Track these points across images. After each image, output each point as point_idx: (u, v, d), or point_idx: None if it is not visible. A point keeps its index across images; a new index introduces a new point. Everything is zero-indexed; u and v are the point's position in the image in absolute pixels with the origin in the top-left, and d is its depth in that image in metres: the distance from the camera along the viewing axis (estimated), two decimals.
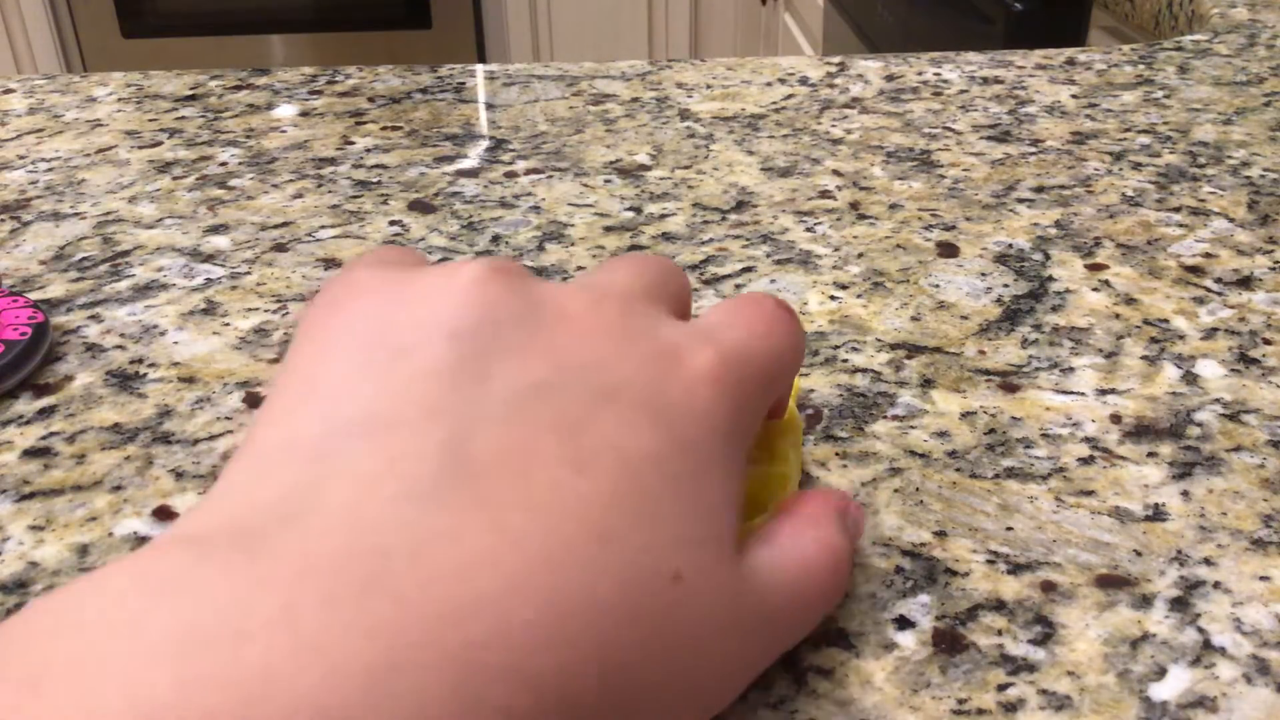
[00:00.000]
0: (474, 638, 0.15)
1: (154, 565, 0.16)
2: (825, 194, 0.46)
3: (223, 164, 0.50)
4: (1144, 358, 0.34)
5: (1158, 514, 0.27)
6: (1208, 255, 0.40)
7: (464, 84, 0.60)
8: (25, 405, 0.33)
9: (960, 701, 0.22)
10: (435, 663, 0.15)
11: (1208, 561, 0.26)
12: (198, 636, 0.14)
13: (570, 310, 0.21)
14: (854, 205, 0.45)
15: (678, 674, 0.18)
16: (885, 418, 0.31)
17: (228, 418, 0.32)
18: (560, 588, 0.16)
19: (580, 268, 0.40)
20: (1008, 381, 0.33)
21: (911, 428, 0.31)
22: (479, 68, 0.63)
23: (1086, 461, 0.29)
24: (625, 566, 0.17)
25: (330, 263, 0.41)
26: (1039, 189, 0.46)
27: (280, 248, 0.42)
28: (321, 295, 0.22)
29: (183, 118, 0.56)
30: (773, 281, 0.39)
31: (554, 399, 0.19)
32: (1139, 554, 0.26)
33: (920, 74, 0.60)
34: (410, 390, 0.18)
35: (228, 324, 0.37)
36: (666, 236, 0.42)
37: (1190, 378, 0.33)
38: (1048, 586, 0.25)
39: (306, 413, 0.19)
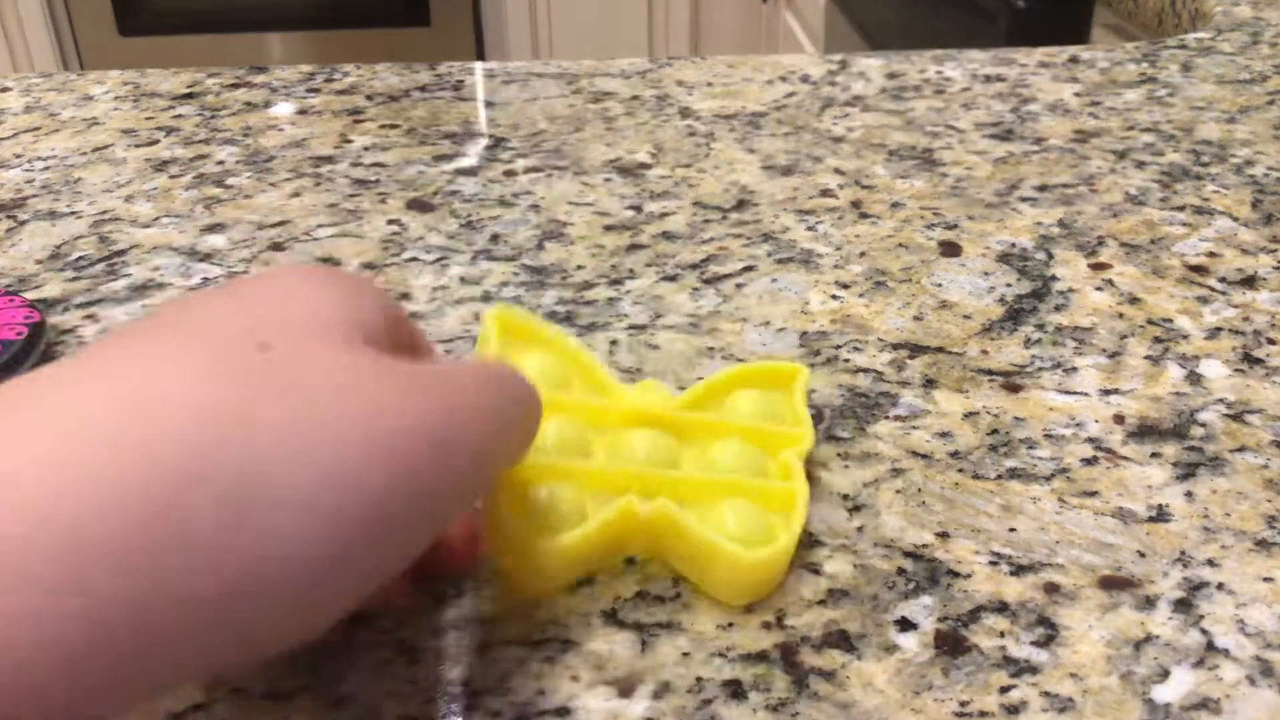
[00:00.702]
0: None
1: None
2: (827, 192, 0.45)
3: (220, 162, 0.49)
4: (1147, 357, 0.34)
5: (1161, 515, 0.27)
6: (1211, 254, 0.40)
7: (463, 82, 0.59)
8: None
9: (962, 704, 0.22)
10: None
11: (1211, 563, 0.26)
12: None
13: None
14: (856, 204, 0.44)
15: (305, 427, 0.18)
16: (887, 418, 0.31)
17: None
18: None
19: (580, 266, 0.40)
20: (1010, 381, 0.33)
21: (914, 428, 0.31)
22: (478, 65, 0.62)
23: (1090, 462, 0.29)
24: (201, 343, 0.19)
25: (328, 261, 0.40)
26: (1042, 188, 0.45)
27: (277, 247, 0.42)
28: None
29: (180, 116, 0.55)
30: (774, 280, 0.39)
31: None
32: (1142, 555, 0.26)
33: (922, 72, 0.60)
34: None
35: None
36: (667, 235, 0.42)
37: (1194, 378, 0.33)
38: (1050, 588, 0.25)
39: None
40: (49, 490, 0.15)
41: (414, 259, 0.41)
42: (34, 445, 0.16)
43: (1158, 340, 0.35)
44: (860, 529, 0.27)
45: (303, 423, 0.18)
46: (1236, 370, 0.33)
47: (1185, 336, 0.35)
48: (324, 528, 0.17)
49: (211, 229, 0.43)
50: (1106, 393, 0.32)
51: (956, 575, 0.25)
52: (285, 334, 0.19)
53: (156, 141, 0.52)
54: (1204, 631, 0.24)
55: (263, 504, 0.17)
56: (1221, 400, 0.32)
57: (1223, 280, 0.38)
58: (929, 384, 0.33)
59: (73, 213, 0.45)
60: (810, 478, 0.29)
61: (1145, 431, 0.30)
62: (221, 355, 0.18)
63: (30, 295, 0.39)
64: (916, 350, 0.34)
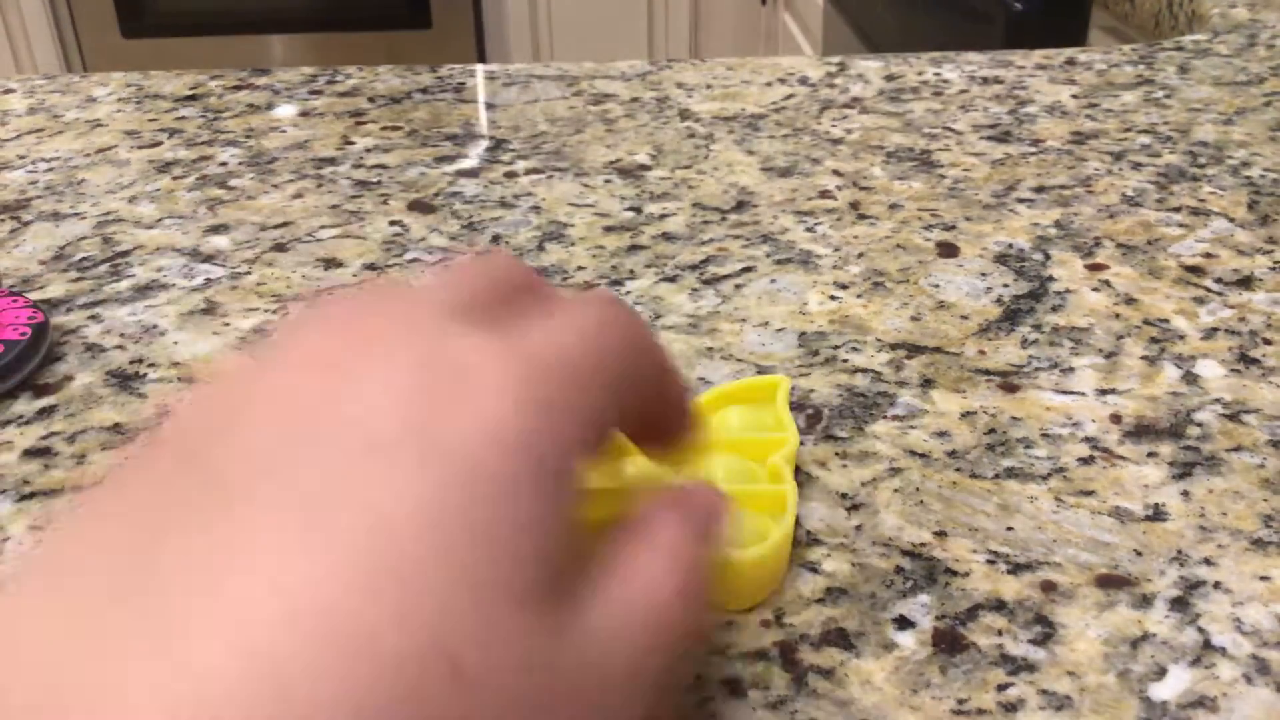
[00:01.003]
0: None
1: None
2: (825, 194, 0.46)
3: (223, 164, 0.50)
4: (1144, 358, 0.34)
5: (1158, 514, 0.27)
6: (1208, 255, 0.40)
7: (464, 84, 0.60)
8: (25, 405, 0.33)
9: (960, 701, 0.22)
10: None
11: (1208, 561, 0.26)
12: None
13: (324, 360, 0.17)
14: (854, 205, 0.45)
15: None
16: (885, 418, 0.31)
17: None
18: None
19: (580, 268, 0.40)
20: (1008, 381, 0.33)
21: (911, 428, 0.31)
22: (479, 68, 0.63)
23: (1086, 461, 0.29)
24: (379, 676, 0.13)
25: (330, 262, 0.41)
26: (1039, 189, 0.46)
27: (280, 248, 0.42)
28: None
29: (183, 118, 0.56)
30: (773, 281, 0.39)
31: (288, 464, 0.15)
32: (1139, 554, 0.26)
33: (920, 74, 0.60)
34: (118, 515, 0.15)
35: (228, 324, 0.37)
36: (666, 236, 0.42)
37: (1190, 378, 0.33)
38: (1048, 586, 0.25)
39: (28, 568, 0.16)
40: None
41: (416, 260, 0.41)
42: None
43: (1154, 340, 0.35)
44: (858, 528, 0.27)
45: None
46: (1233, 370, 0.33)
47: (1182, 337, 0.35)
48: None
49: (214, 230, 0.43)
50: (1103, 393, 0.32)
51: (954, 574, 0.26)
52: (483, 634, 0.14)
53: (159, 143, 0.52)
54: (1201, 630, 0.24)
55: None
56: (1218, 400, 0.32)
57: (1219, 281, 0.38)
58: (927, 384, 0.33)
59: (76, 214, 0.45)
60: (808, 477, 0.29)
61: (1142, 431, 0.30)
62: (406, 691, 0.13)
63: (34, 296, 0.39)
64: (914, 350, 0.34)
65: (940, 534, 0.27)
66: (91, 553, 0.15)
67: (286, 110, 0.56)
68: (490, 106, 0.56)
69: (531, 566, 0.15)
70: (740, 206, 0.45)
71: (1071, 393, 0.32)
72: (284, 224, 0.44)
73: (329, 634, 0.13)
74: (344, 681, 0.13)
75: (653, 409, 0.21)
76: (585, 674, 0.16)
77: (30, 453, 0.31)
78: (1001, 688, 0.23)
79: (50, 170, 0.49)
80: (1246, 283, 0.38)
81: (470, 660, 0.14)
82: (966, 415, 0.31)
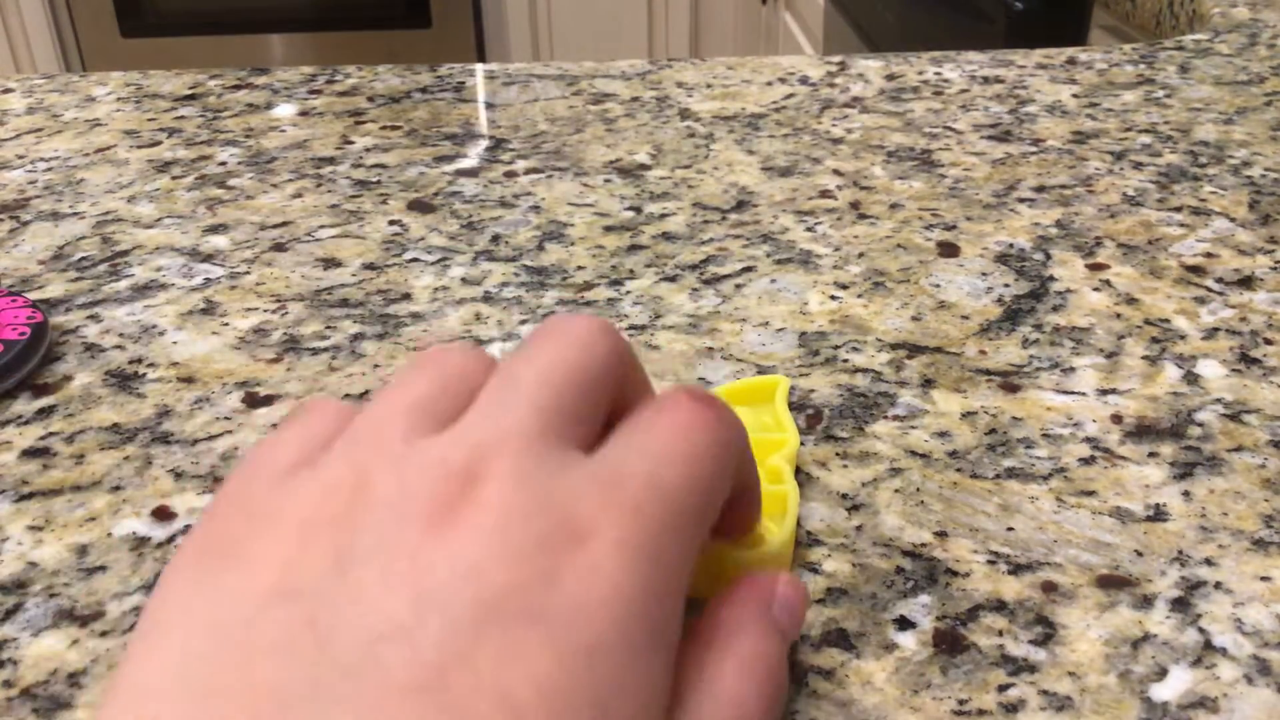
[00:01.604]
0: None
1: None
2: (825, 193, 0.46)
3: (222, 163, 0.50)
4: (1145, 358, 0.34)
5: (1159, 514, 0.27)
6: (1209, 255, 0.40)
7: (464, 83, 0.60)
8: (24, 405, 0.33)
9: (961, 702, 0.22)
10: None
11: (1209, 562, 0.26)
12: None
13: (431, 509, 0.17)
14: (854, 205, 0.44)
15: None
16: (886, 418, 0.31)
17: (227, 418, 0.32)
18: None
19: (580, 267, 0.40)
20: (1008, 381, 0.33)
21: (912, 428, 0.31)
22: (479, 67, 0.62)
23: (1087, 462, 0.29)
24: None
25: (329, 262, 0.41)
26: (1040, 188, 0.46)
27: (279, 247, 0.42)
28: (196, 526, 0.19)
29: (182, 117, 0.55)
30: (773, 281, 0.39)
31: (409, 646, 0.15)
32: (1140, 554, 0.26)
33: (921, 73, 0.60)
34: (233, 683, 0.15)
35: (227, 324, 0.37)
36: (666, 236, 0.42)
37: (1191, 378, 0.33)
38: (1048, 587, 0.25)
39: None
40: None
41: (415, 260, 0.41)
42: None
43: (1155, 340, 0.35)
44: (859, 528, 0.27)
45: None
46: (1234, 370, 0.33)
47: (1182, 337, 0.35)
48: None
49: (214, 230, 0.43)
50: (1104, 393, 0.32)
51: (955, 574, 0.26)
52: None
53: (159, 142, 0.52)
54: (1201, 630, 0.24)
55: None
56: (1219, 400, 0.32)
57: (1220, 281, 0.38)
58: (927, 384, 0.33)
59: (75, 213, 0.45)
60: (809, 477, 0.29)
61: (1143, 431, 0.30)
62: None
63: (33, 295, 0.39)
64: (915, 350, 0.34)
65: (941, 534, 0.27)
66: (241, 712, 0.15)
67: (286, 110, 0.56)
68: (490, 106, 0.56)
69: None
70: (740, 206, 0.45)
71: (1072, 393, 0.32)
72: (283, 224, 0.44)
73: None
74: None
75: (727, 508, 0.21)
76: None
77: (29, 453, 0.31)
78: (1002, 688, 0.23)
79: (49, 170, 0.49)
80: (1247, 282, 0.38)
81: None
82: (967, 415, 0.31)
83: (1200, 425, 0.31)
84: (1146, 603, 0.25)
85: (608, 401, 0.20)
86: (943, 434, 0.30)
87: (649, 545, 0.17)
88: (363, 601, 0.16)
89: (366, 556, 0.16)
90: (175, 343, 0.36)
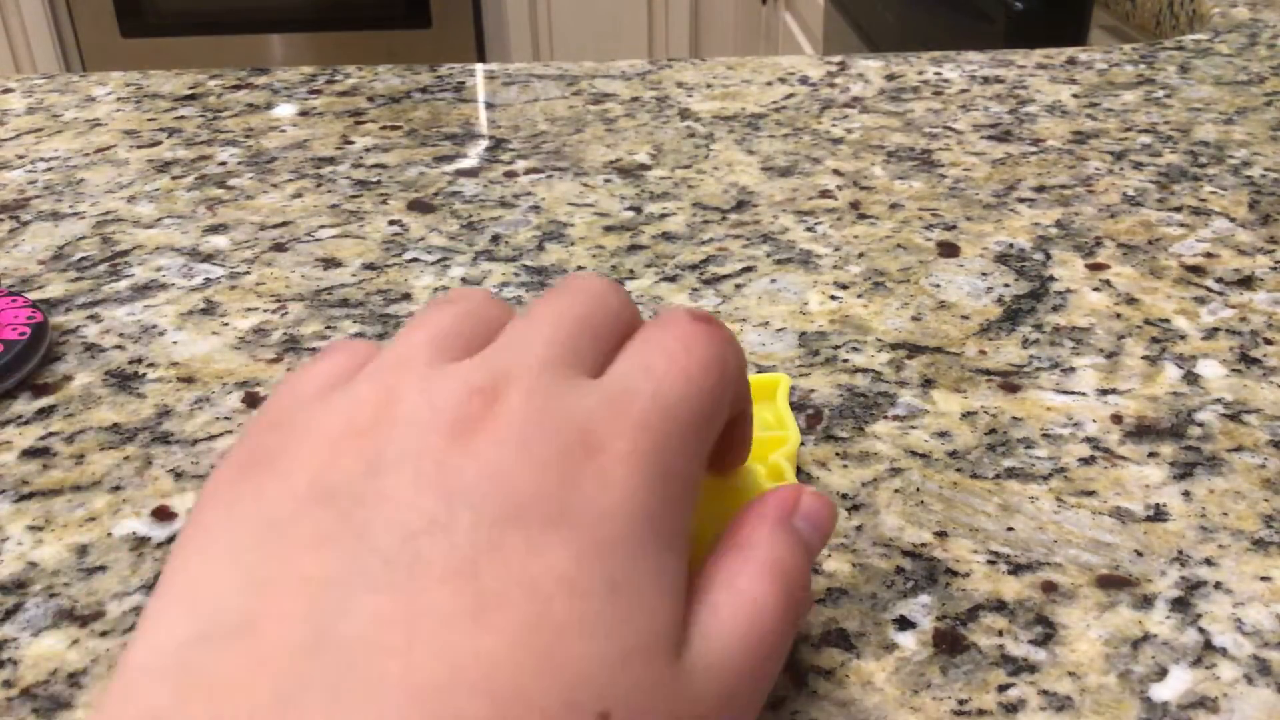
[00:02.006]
0: None
1: None
2: (825, 193, 0.46)
3: (222, 163, 0.50)
4: (1145, 358, 0.34)
5: (1159, 514, 0.27)
6: (1209, 255, 0.40)
7: (463, 83, 0.60)
8: (24, 405, 0.33)
9: (961, 702, 0.22)
10: None
11: (1209, 562, 0.26)
12: None
13: (456, 421, 0.18)
14: (854, 205, 0.44)
15: None
16: (886, 418, 0.31)
17: (227, 418, 0.32)
18: None
19: (580, 267, 0.40)
20: (1008, 381, 0.33)
21: (912, 428, 0.31)
22: (479, 67, 0.62)
23: (1087, 462, 0.29)
24: None
25: (329, 262, 0.41)
26: (1040, 188, 0.46)
27: (279, 247, 0.42)
28: (232, 448, 0.20)
29: (182, 117, 0.55)
30: (773, 281, 0.39)
31: (443, 540, 0.17)
32: (1140, 554, 0.26)
33: (921, 73, 0.60)
34: (282, 572, 0.17)
35: (227, 324, 0.37)
36: (666, 236, 0.42)
37: (1191, 378, 0.33)
38: (1048, 587, 0.25)
39: (169, 618, 0.17)
40: None
41: (415, 260, 0.41)
42: None
43: (1155, 340, 0.35)
44: (859, 528, 0.27)
45: None
46: (1234, 370, 0.33)
47: (1183, 337, 0.35)
48: None
49: (214, 230, 0.43)
50: (1104, 393, 0.32)
51: (955, 574, 0.26)
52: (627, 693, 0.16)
53: (159, 142, 0.52)
54: (1201, 630, 0.24)
55: None
56: (1219, 400, 0.32)
57: (1220, 281, 0.38)
58: (927, 384, 0.33)
59: (75, 213, 0.45)
60: (809, 477, 0.29)
61: (1143, 431, 0.30)
62: None
63: (33, 295, 0.39)
64: (915, 350, 0.34)
65: (941, 534, 0.27)
66: (290, 598, 0.16)
67: (286, 110, 0.56)
68: (490, 106, 0.56)
69: (663, 623, 0.17)
70: (740, 206, 0.45)
71: (1072, 393, 0.32)
72: (283, 224, 0.44)
73: (496, 694, 0.15)
74: None
75: (723, 436, 0.22)
76: (710, 704, 0.17)
77: (29, 453, 0.31)
78: (1002, 688, 0.23)
79: (49, 170, 0.49)
80: (1247, 282, 0.38)
81: (618, 713, 0.16)
82: (967, 415, 0.31)
83: (1200, 425, 0.31)
84: (1146, 603, 0.25)
85: (617, 347, 0.21)
86: (943, 434, 0.30)
87: (655, 456, 0.18)
88: (396, 501, 0.17)
89: (397, 462, 0.18)
90: (175, 343, 0.36)
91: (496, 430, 0.18)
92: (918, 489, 0.28)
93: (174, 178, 0.48)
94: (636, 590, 0.17)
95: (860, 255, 0.40)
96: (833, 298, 0.38)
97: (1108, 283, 0.38)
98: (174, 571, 0.18)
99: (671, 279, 0.39)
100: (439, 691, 0.15)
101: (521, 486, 0.17)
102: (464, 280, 0.39)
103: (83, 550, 0.27)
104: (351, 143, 0.52)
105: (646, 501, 0.18)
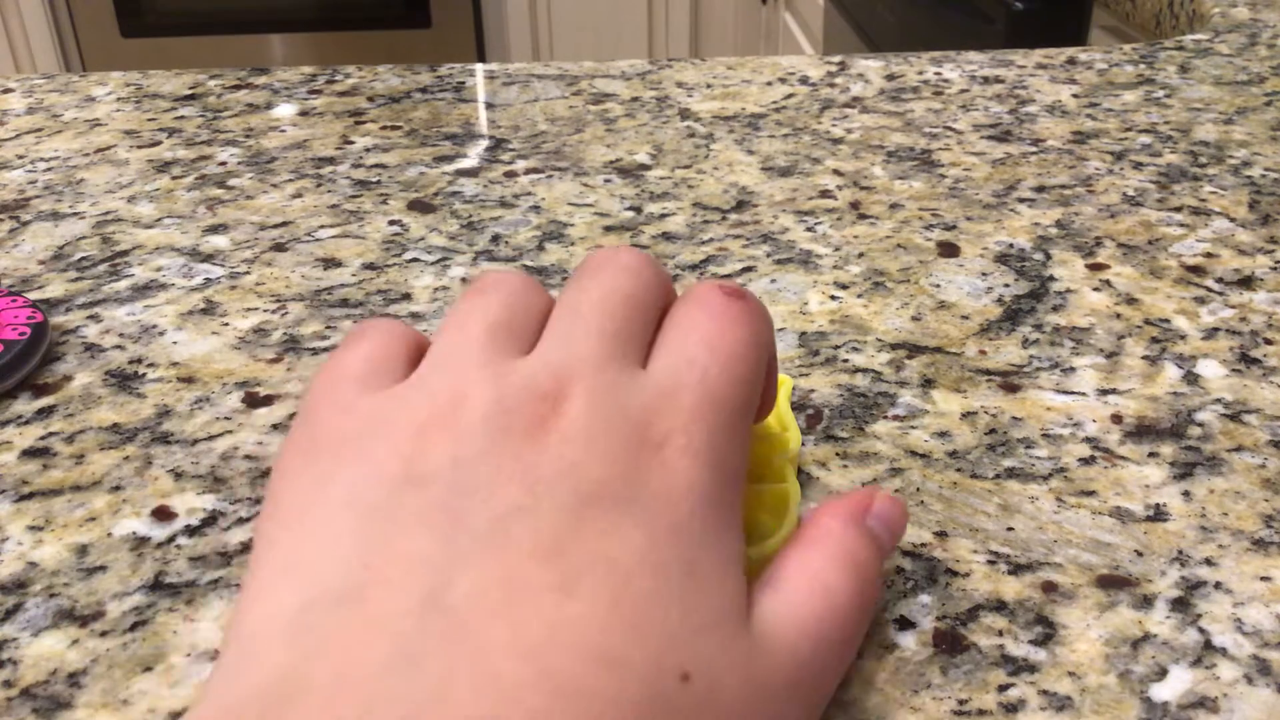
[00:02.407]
0: None
1: None
2: (825, 193, 0.46)
3: (222, 164, 0.50)
4: (1145, 358, 0.34)
5: (1159, 514, 0.27)
6: (1209, 255, 0.40)
7: (464, 83, 0.60)
8: (24, 405, 0.33)
9: (961, 702, 0.22)
10: None
11: (1209, 562, 0.26)
12: None
13: (527, 423, 0.20)
14: (854, 205, 0.44)
15: None
16: (886, 418, 0.31)
17: (227, 418, 0.32)
18: None
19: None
20: (1008, 381, 0.33)
21: (912, 428, 0.31)
22: (479, 67, 0.63)
23: (1087, 462, 0.29)
24: (630, 685, 0.17)
25: (329, 262, 0.41)
26: (1040, 188, 0.46)
27: (279, 247, 0.42)
28: (297, 428, 0.22)
29: (182, 117, 0.55)
30: (773, 281, 0.39)
31: (530, 522, 0.18)
32: (1140, 554, 0.26)
33: (921, 73, 0.60)
34: (384, 548, 0.18)
35: (227, 324, 0.37)
36: (666, 236, 0.42)
37: (1191, 378, 0.33)
38: (1048, 587, 0.25)
39: (278, 589, 0.18)
40: None
41: (415, 259, 0.41)
42: None
43: (1155, 340, 0.35)
44: None
45: None
46: (1234, 370, 0.33)
47: (1183, 337, 0.35)
48: None
49: (214, 230, 0.43)
50: (1104, 393, 0.32)
51: (955, 574, 0.26)
52: (707, 647, 0.18)
53: (159, 142, 0.52)
54: (1202, 630, 0.24)
55: None
56: (1219, 400, 0.32)
57: (1220, 281, 0.38)
58: (927, 384, 0.33)
59: (75, 213, 0.45)
60: (809, 477, 0.29)
61: (1143, 431, 0.30)
62: (647, 699, 0.17)
63: (33, 295, 0.39)
64: (915, 350, 0.34)
65: (941, 534, 0.27)
66: (396, 571, 0.18)
67: (286, 110, 0.56)
68: (490, 106, 0.56)
69: (731, 597, 0.19)
70: (740, 206, 0.45)
71: (1072, 393, 0.32)
72: (283, 224, 0.44)
73: (591, 652, 0.17)
74: (600, 693, 0.16)
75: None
76: (780, 677, 0.19)
77: (29, 453, 0.31)
78: (1002, 688, 0.23)
79: (49, 170, 0.49)
80: (1247, 282, 0.38)
81: (698, 675, 0.17)
82: (967, 415, 0.31)
83: (1200, 425, 0.31)
84: (1146, 603, 0.25)
85: (658, 318, 0.23)
86: (943, 434, 0.30)
87: (708, 443, 0.20)
88: (483, 489, 0.19)
89: (479, 456, 0.19)
90: (175, 343, 0.36)
91: (564, 430, 0.20)
92: (918, 489, 0.28)
93: (174, 178, 0.48)
94: (707, 569, 0.19)
95: (860, 255, 0.40)
96: (833, 298, 0.38)
97: (1108, 283, 0.38)
98: (267, 548, 0.20)
99: (672, 279, 0.39)
100: (540, 649, 0.17)
101: (593, 477, 0.19)
102: (464, 280, 0.39)
103: (83, 550, 0.27)
104: (351, 143, 0.52)
105: (707, 487, 0.20)
